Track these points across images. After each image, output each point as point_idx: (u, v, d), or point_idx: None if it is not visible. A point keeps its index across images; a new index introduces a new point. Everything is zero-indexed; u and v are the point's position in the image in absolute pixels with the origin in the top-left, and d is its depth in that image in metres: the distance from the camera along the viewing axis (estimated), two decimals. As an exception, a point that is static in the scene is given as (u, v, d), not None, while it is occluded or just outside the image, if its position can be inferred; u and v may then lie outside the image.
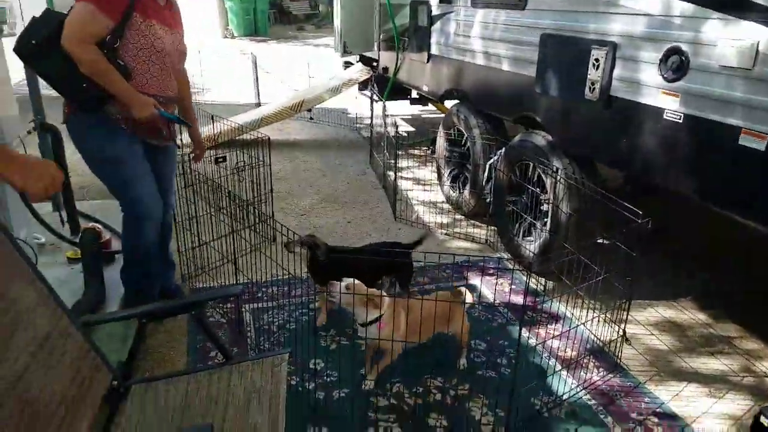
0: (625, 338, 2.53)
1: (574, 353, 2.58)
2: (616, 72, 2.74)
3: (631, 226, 2.30)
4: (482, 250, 3.84)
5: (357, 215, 4.34)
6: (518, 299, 3.15)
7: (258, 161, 3.53)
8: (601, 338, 2.63)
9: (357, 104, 7.46)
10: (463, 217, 4.34)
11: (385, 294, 2.23)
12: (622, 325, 2.51)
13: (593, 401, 2.32)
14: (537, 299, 3.15)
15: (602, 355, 2.59)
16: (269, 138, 3.55)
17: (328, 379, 2.37)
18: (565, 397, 2.31)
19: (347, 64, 7.40)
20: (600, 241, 2.38)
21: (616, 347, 2.55)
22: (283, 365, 1.72)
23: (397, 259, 2.75)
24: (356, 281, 2.21)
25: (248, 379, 1.68)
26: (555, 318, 2.91)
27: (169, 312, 1.73)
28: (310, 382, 2.32)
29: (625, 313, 2.48)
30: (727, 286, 3.32)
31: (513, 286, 3.31)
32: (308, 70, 7.95)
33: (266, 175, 3.57)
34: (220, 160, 3.35)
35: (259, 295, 3.00)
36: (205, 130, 4.68)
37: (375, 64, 6.23)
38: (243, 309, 2.87)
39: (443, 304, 2.24)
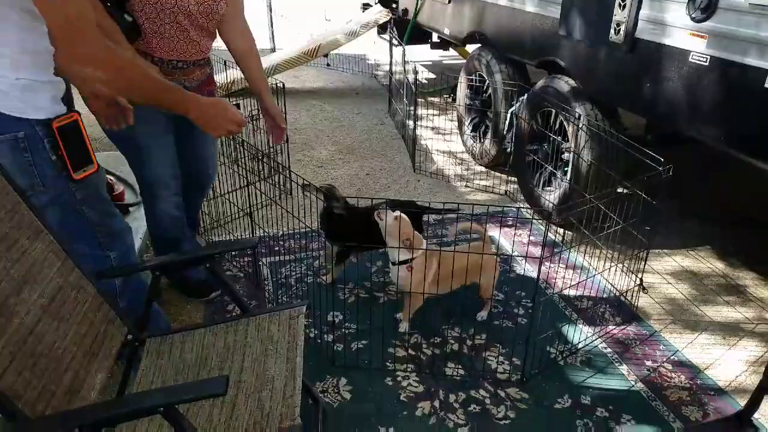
0: (642, 287, 2.51)
1: (591, 303, 2.58)
2: (643, 12, 2.60)
3: (652, 174, 2.24)
4: (501, 202, 3.80)
5: (375, 167, 4.30)
6: (536, 250, 3.13)
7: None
8: (618, 288, 2.61)
9: (376, 49, 7.28)
10: (483, 168, 4.28)
11: (423, 241, 2.25)
12: (640, 275, 2.48)
13: (608, 350, 2.33)
14: (555, 249, 3.13)
15: (619, 304, 2.58)
16: (284, 85, 3.49)
17: (347, 332, 2.42)
18: (580, 345, 2.32)
19: (365, 6, 7.17)
20: (620, 190, 2.32)
21: (632, 296, 2.54)
22: (300, 318, 1.74)
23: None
24: (404, 216, 2.22)
25: (265, 332, 1.71)
26: (573, 268, 2.89)
27: (184, 264, 1.75)
28: (328, 334, 2.37)
29: (642, 262, 2.44)
30: (745, 238, 3.24)
31: (531, 237, 3.28)
32: (324, 14, 7.74)
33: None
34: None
35: (277, 248, 3.03)
36: (219, 78, 4.63)
37: (394, 5, 6.02)
38: (260, 263, 2.91)
39: (475, 256, 2.24)
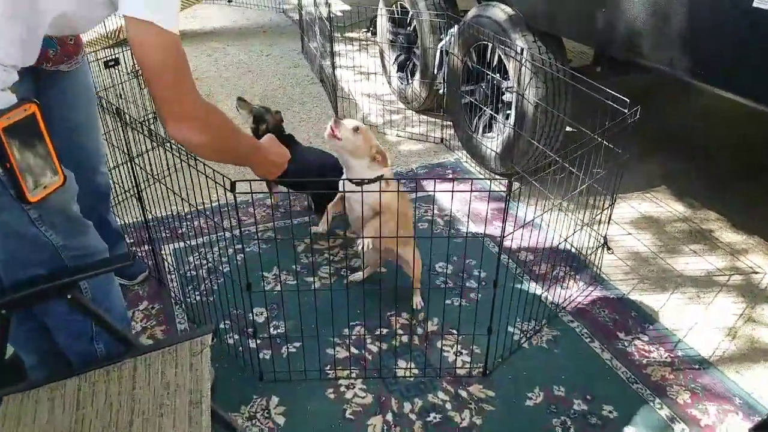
0: (606, 247, 2.24)
1: (548, 265, 2.30)
2: None
3: (620, 119, 1.92)
4: (437, 152, 3.42)
5: (294, 119, 3.78)
6: (482, 208, 2.80)
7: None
8: (578, 246, 2.34)
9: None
10: (413, 112, 3.85)
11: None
12: (602, 230, 2.21)
13: (576, 323, 2.07)
14: (503, 206, 2.81)
15: (579, 265, 2.31)
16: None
17: (275, 331, 2.01)
18: (544, 321, 2.05)
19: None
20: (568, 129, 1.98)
21: (594, 256, 2.27)
22: (205, 353, 1.31)
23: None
24: (363, 125, 1.81)
25: (159, 378, 1.28)
26: (522, 224, 2.59)
27: (35, 298, 1.25)
28: (251, 339, 1.94)
29: (606, 219, 2.17)
30: (701, 172, 3.06)
31: (475, 194, 2.95)
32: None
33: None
34: (111, 63, 2.69)
35: (183, 230, 2.53)
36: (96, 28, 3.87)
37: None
38: (162, 252, 2.41)
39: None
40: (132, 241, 2.46)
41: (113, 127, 2.29)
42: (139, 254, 2.38)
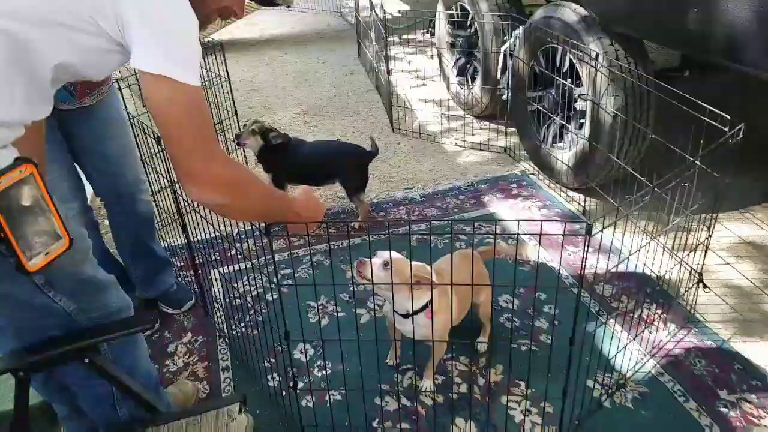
0: (702, 283, 1.93)
1: (632, 302, 2.01)
2: None
3: (722, 141, 1.61)
4: (501, 162, 3.17)
5: (348, 128, 3.62)
6: (553, 228, 2.53)
7: (212, 78, 2.78)
8: (667, 279, 2.03)
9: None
10: (474, 119, 3.61)
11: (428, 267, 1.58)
12: (695, 262, 1.90)
13: (666, 376, 1.77)
14: (577, 226, 2.53)
15: (668, 300, 2.01)
16: (222, 44, 2.76)
17: (320, 373, 1.85)
18: (629, 373, 1.77)
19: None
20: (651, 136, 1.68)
21: (688, 293, 1.97)
22: (233, 424, 1.16)
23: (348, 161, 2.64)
24: (396, 255, 1.56)
25: (182, 453, 1.13)
26: (599, 250, 2.30)
27: (51, 362, 1.14)
28: (294, 378, 1.77)
29: (702, 252, 1.86)
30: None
31: (545, 210, 2.68)
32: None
33: (224, 95, 2.84)
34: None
35: (232, 252, 2.41)
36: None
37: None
38: (211, 276, 2.30)
39: (468, 268, 1.60)
40: (181, 265, 2.37)
41: (156, 151, 2.20)
42: (187, 280, 2.28)
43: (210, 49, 2.75)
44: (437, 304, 1.59)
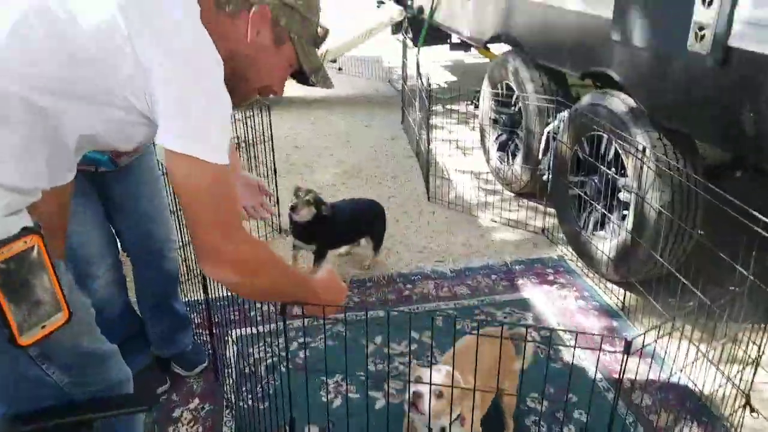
0: (750, 407, 1.76)
1: (670, 418, 1.85)
2: (740, 12, 1.85)
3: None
4: (537, 244, 3.07)
5: (383, 193, 3.61)
6: (589, 323, 2.41)
7: (256, 136, 2.83)
8: (709, 395, 1.88)
9: (391, 52, 6.57)
10: (512, 195, 3.55)
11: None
12: (747, 388, 1.74)
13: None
14: (615, 323, 2.40)
15: (712, 421, 1.84)
16: (269, 106, 2.82)
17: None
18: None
19: (380, 4, 6.50)
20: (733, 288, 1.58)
21: (733, 415, 1.80)
22: None
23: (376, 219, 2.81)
24: (448, 369, 1.47)
25: None
26: (640, 356, 2.15)
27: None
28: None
29: (751, 372, 1.70)
30: None
31: (581, 301, 2.55)
32: (335, 13, 7.06)
33: (266, 152, 2.88)
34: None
35: (252, 313, 2.36)
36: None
37: (410, 3, 5.33)
38: (228, 337, 2.25)
39: (492, 354, 1.49)
40: (198, 322, 2.33)
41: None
42: (202, 339, 2.23)
43: (257, 108, 2.81)
44: (468, 405, 1.47)
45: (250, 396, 1.96)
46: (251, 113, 2.80)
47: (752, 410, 1.75)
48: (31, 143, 0.91)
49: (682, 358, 1.78)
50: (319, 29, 1.14)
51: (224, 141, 0.95)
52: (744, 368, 1.72)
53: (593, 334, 2.19)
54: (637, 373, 1.88)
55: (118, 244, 1.88)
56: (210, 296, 1.82)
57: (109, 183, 1.71)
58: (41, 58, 0.89)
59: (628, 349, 1.16)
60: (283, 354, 2.08)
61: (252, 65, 1.07)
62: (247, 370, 2.07)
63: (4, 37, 0.87)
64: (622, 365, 1.20)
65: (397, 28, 5.74)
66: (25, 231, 0.89)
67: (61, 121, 0.92)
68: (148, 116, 0.96)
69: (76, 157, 1.02)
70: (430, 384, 1.37)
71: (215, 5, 1.01)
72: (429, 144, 3.50)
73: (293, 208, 2.52)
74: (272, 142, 2.87)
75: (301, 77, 1.17)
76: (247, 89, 1.11)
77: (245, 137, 2.82)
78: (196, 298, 2.35)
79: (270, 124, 2.82)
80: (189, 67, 0.92)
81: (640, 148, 2.28)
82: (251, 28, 1.03)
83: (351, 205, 2.85)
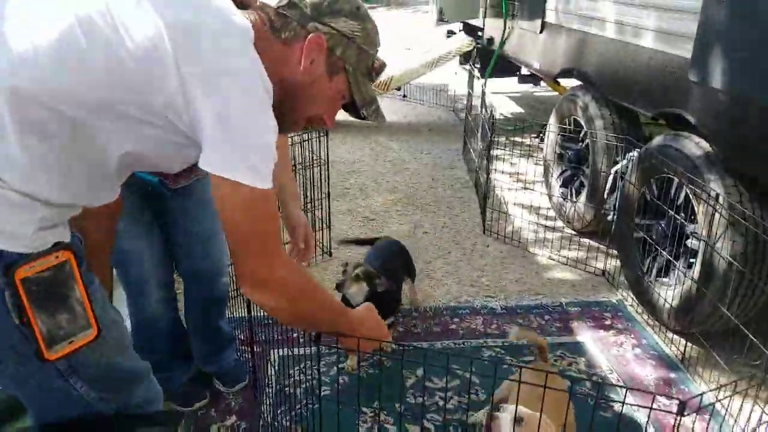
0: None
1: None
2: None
3: None
4: (596, 286, 2.93)
5: (437, 223, 3.57)
6: (645, 372, 2.25)
7: (313, 159, 2.88)
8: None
9: (458, 81, 6.58)
10: (573, 233, 3.42)
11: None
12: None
13: None
14: (672, 375, 2.24)
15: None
16: (327, 132, 2.86)
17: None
18: None
19: (450, 33, 6.56)
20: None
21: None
22: None
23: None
24: (528, 411, 1.39)
25: None
26: (682, 413, 1.99)
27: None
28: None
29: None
30: None
31: (638, 350, 2.40)
32: (401, 41, 7.17)
33: (322, 176, 2.91)
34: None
35: (295, 334, 2.36)
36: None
37: (480, 33, 5.33)
38: (270, 357, 2.25)
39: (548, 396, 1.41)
40: (242, 338, 2.36)
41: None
42: (245, 356, 2.25)
43: (315, 131, 2.86)
44: None
45: (286, 418, 1.95)
46: (308, 137, 2.85)
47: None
48: (67, 158, 0.92)
49: (744, 420, 1.63)
50: (375, 62, 1.12)
51: (267, 166, 0.95)
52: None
53: (644, 392, 2.05)
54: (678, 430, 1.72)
55: (173, 263, 1.92)
56: (253, 315, 1.83)
57: (165, 201, 1.74)
58: (85, 80, 0.88)
59: (682, 410, 1.06)
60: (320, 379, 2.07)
61: (303, 94, 1.06)
62: (285, 391, 2.06)
63: (48, 49, 0.86)
64: (675, 426, 1.10)
65: (465, 58, 5.76)
66: (58, 246, 0.91)
67: (97, 136, 0.92)
68: (190, 137, 0.95)
69: (118, 177, 1.03)
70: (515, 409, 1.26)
71: (271, 31, 1.02)
72: (488, 174, 3.44)
73: (339, 286, 2.16)
74: (328, 165, 2.90)
75: (354, 109, 1.15)
76: (295, 118, 1.10)
77: (301, 160, 2.86)
78: (241, 315, 2.37)
79: (327, 148, 2.86)
80: (236, 89, 0.91)
81: (713, 194, 2.14)
82: (305, 56, 1.02)
83: (379, 258, 2.49)
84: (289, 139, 3.02)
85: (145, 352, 1.89)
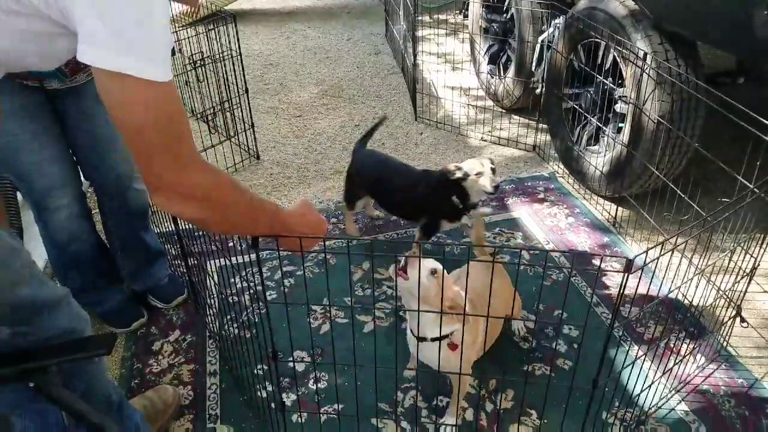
0: (740, 317, 1.74)
1: (659, 329, 1.83)
2: None
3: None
4: (528, 162, 2.96)
5: (367, 114, 3.44)
6: (580, 239, 2.35)
7: (224, 51, 2.61)
8: (698, 305, 1.84)
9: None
10: (503, 111, 3.39)
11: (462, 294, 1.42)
12: (738, 299, 1.71)
13: (691, 416, 1.60)
14: (606, 239, 2.34)
15: (698, 329, 1.82)
16: (234, 17, 2.58)
17: (314, 386, 1.71)
18: (651, 410, 1.60)
19: None
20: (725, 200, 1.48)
21: (722, 326, 1.78)
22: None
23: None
24: (439, 267, 1.41)
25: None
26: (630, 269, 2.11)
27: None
28: (287, 392, 1.64)
29: (744, 283, 1.66)
30: None
31: (571, 218, 2.48)
32: None
33: (236, 71, 2.67)
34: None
35: (231, 244, 2.26)
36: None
37: None
38: (207, 266, 2.16)
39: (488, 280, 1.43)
40: (175, 253, 2.24)
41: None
42: (180, 270, 2.15)
43: (221, 20, 2.57)
44: (466, 335, 1.41)
45: (235, 325, 1.90)
46: (214, 25, 2.56)
47: (742, 320, 1.73)
48: None
49: (673, 272, 1.73)
50: None
51: (167, 52, 0.79)
52: (738, 281, 1.67)
53: (592, 254, 2.14)
54: (625, 288, 1.83)
55: (81, 174, 1.73)
56: (181, 227, 1.71)
57: (65, 103, 1.55)
58: None
59: (629, 268, 1.08)
60: (267, 283, 2.01)
61: None
62: (230, 300, 2.00)
63: None
64: (621, 284, 1.13)
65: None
66: None
67: None
68: (62, 23, 0.78)
69: None
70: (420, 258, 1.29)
71: None
72: (415, 58, 3.29)
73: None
74: (241, 57, 2.65)
75: None
76: None
77: (209, 52, 2.60)
78: (172, 228, 2.23)
79: (237, 37, 2.59)
80: None
81: (640, 54, 2.12)
82: None
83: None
84: (194, 30, 2.72)
85: (68, 279, 1.77)
